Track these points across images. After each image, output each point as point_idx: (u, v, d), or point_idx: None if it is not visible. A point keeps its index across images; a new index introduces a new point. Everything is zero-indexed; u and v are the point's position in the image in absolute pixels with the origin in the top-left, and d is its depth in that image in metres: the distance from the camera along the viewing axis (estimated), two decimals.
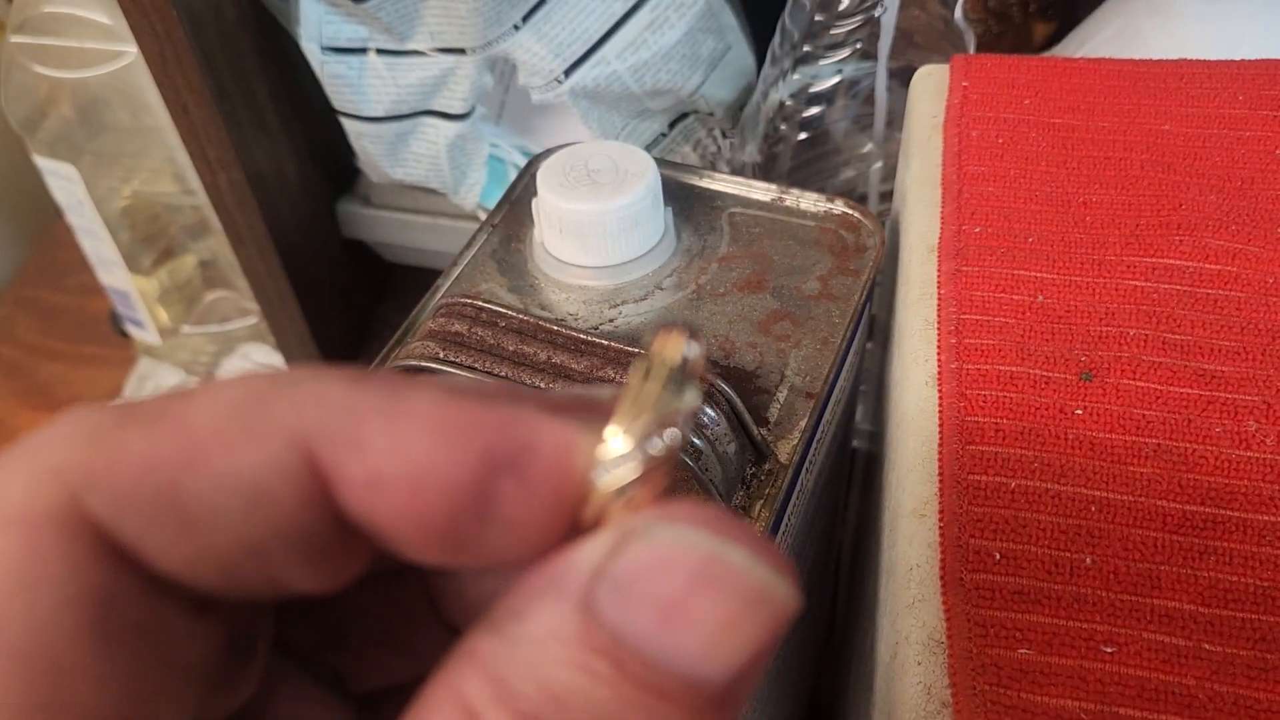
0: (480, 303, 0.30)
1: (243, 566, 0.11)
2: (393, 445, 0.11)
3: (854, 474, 0.47)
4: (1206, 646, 0.22)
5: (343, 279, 0.56)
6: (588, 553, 0.11)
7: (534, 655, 0.10)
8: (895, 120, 0.42)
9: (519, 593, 0.11)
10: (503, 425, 0.11)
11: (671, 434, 0.11)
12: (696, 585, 0.10)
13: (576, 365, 0.28)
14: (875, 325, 0.41)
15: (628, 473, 0.11)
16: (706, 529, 0.10)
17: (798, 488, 0.29)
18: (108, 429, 0.11)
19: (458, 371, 0.28)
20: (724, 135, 0.46)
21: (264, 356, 0.66)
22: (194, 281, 0.67)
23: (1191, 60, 0.33)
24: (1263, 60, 0.33)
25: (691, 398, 0.12)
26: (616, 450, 0.11)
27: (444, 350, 0.29)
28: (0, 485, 0.10)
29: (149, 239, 0.64)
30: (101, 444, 0.11)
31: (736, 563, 0.10)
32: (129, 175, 0.62)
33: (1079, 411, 0.26)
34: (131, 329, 0.68)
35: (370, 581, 0.14)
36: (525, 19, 0.43)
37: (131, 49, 0.54)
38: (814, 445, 0.29)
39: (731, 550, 0.10)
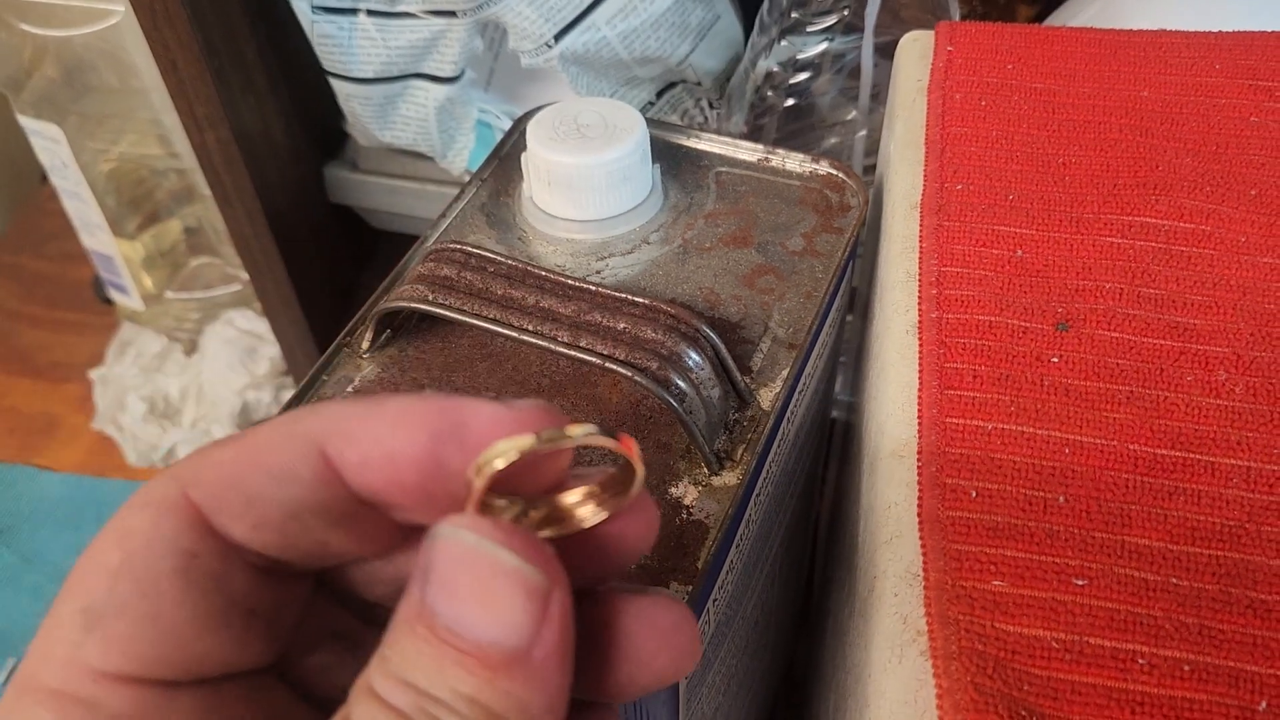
0: (469, 248, 0.30)
1: (289, 531, 0.16)
2: (371, 436, 0.15)
3: (832, 447, 0.47)
4: (1174, 580, 0.22)
5: (329, 244, 0.56)
6: None
7: (395, 637, 0.15)
8: (880, 94, 0.43)
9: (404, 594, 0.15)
10: (443, 410, 0.15)
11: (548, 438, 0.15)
12: (459, 565, 0.14)
13: (564, 309, 0.28)
14: (855, 298, 0.42)
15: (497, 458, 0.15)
16: (474, 529, 0.14)
17: (779, 435, 0.29)
18: (211, 447, 0.16)
19: (447, 313, 0.28)
20: (711, 106, 0.47)
21: (248, 323, 0.66)
22: (179, 247, 0.67)
23: (1170, 31, 0.34)
24: (1239, 32, 0.33)
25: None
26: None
27: (433, 293, 0.29)
28: (147, 486, 0.16)
29: (134, 202, 0.64)
30: (204, 456, 0.16)
31: (488, 550, 0.14)
32: (115, 138, 0.61)
33: (1055, 359, 0.26)
34: (114, 294, 0.68)
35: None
36: None
37: (118, 8, 0.54)
38: (795, 395, 0.30)
39: (485, 543, 0.14)
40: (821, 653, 0.39)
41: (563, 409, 0.29)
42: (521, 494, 0.16)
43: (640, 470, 0.16)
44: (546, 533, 0.16)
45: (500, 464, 0.15)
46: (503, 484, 0.15)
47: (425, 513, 0.16)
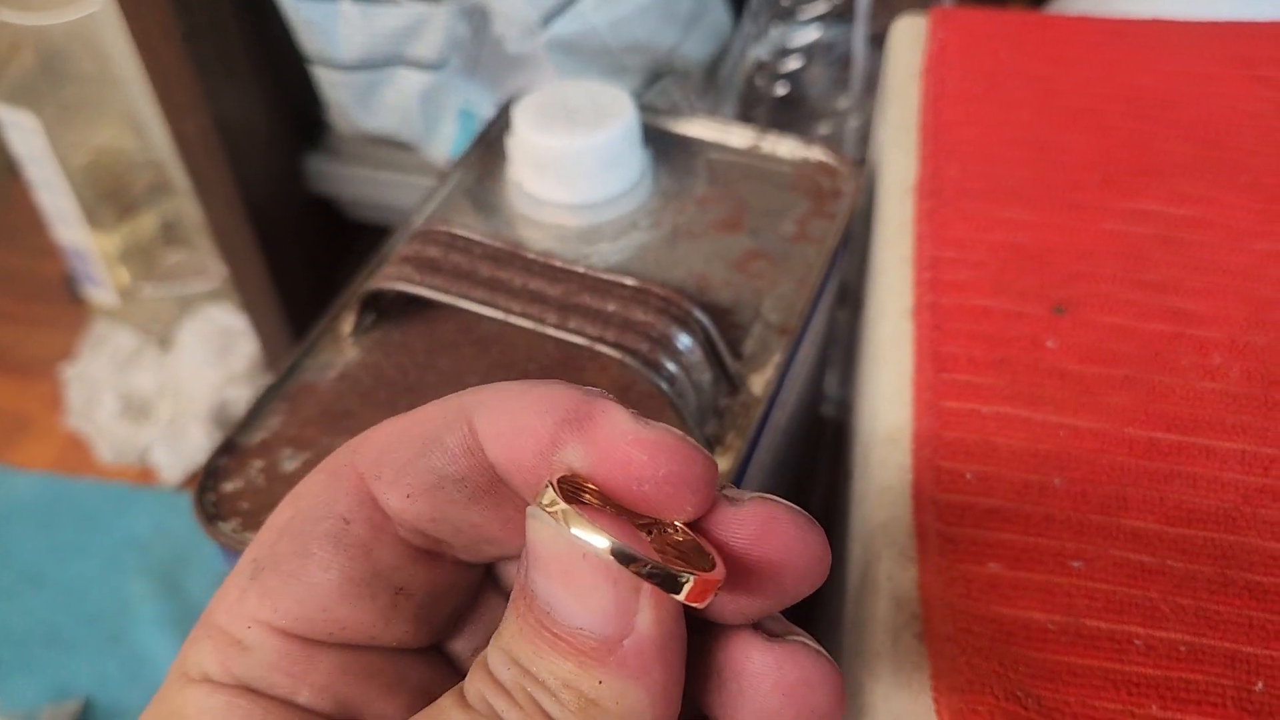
0: (455, 230, 0.29)
1: (436, 503, 0.16)
2: (509, 408, 0.15)
3: (824, 444, 0.47)
4: (1170, 563, 0.22)
5: (309, 235, 0.55)
6: None
7: (508, 613, 0.15)
8: (872, 83, 0.43)
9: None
10: (580, 402, 0.15)
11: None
12: (546, 546, 0.14)
13: (552, 291, 0.28)
14: (846, 293, 0.41)
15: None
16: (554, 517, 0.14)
17: (770, 421, 0.29)
18: (380, 424, 0.17)
19: (433, 294, 0.28)
20: (700, 98, 0.46)
21: (225, 317, 0.65)
22: (155, 241, 0.66)
23: (1166, 19, 0.33)
24: (1234, 21, 0.33)
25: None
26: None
27: (419, 274, 0.28)
28: (331, 454, 0.17)
29: (110, 195, 0.63)
30: (375, 427, 0.17)
31: (570, 536, 0.14)
32: (92, 129, 0.60)
33: (1051, 343, 0.26)
34: (89, 289, 0.67)
35: None
36: None
37: None
38: (787, 381, 0.30)
39: (565, 530, 0.14)
40: None
41: None
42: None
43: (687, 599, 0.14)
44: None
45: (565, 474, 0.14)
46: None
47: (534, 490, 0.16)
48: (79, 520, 0.60)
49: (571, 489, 0.14)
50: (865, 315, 0.30)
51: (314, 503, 0.16)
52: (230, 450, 0.28)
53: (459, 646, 0.18)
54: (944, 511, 0.23)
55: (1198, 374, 0.25)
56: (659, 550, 0.14)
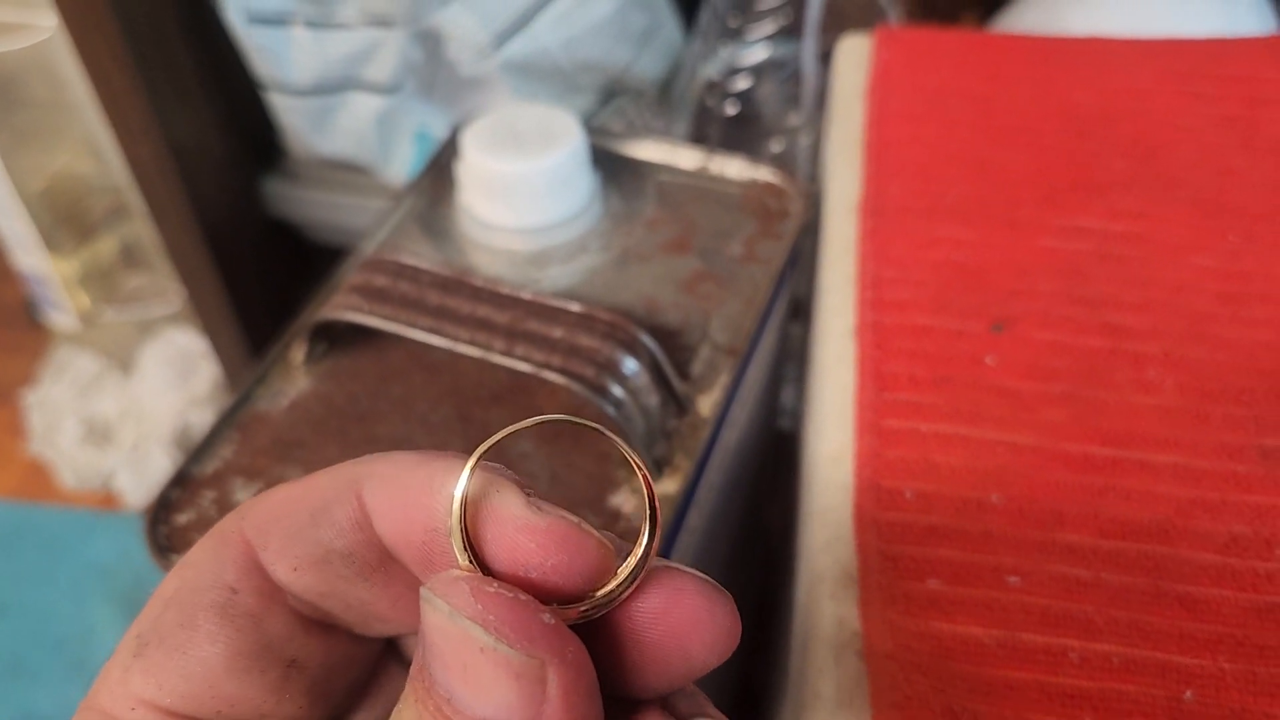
0: (403, 259, 0.30)
1: (325, 576, 0.15)
2: (398, 481, 0.15)
3: (782, 458, 0.47)
4: (1105, 576, 0.22)
5: (266, 258, 0.55)
6: None
7: (406, 694, 0.14)
8: (822, 102, 0.43)
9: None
10: (478, 480, 0.14)
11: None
12: (441, 636, 0.13)
13: (499, 318, 0.28)
14: (799, 308, 0.42)
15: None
16: (447, 597, 0.13)
17: (719, 442, 0.29)
18: (279, 485, 0.16)
19: (381, 324, 0.28)
20: (654, 117, 0.47)
21: (187, 341, 0.64)
22: (115, 265, 0.65)
23: (1104, 38, 0.34)
24: (1170, 39, 0.34)
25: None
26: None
27: (367, 303, 0.28)
28: (222, 519, 0.16)
29: (69, 220, 0.62)
30: (267, 492, 0.16)
31: (461, 625, 0.13)
32: (49, 155, 0.60)
33: (989, 361, 0.26)
34: (49, 314, 0.66)
35: None
36: None
37: (48, 23, 0.53)
38: (735, 401, 0.30)
39: (458, 618, 0.13)
40: (775, 674, 0.38)
41: (500, 420, 0.29)
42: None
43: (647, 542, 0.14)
44: (581, 608, 0.14)
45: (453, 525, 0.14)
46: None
47: (422, 568, 0.15)
48: (42, 547, 0.60)
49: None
50: (812, 334, 0.31)
51: (201, 572, 0.15)
52: (182, 482, 0.28)
53: None
54: (885, 530, 0.23)
55: (1133, 388, 0.26)
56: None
